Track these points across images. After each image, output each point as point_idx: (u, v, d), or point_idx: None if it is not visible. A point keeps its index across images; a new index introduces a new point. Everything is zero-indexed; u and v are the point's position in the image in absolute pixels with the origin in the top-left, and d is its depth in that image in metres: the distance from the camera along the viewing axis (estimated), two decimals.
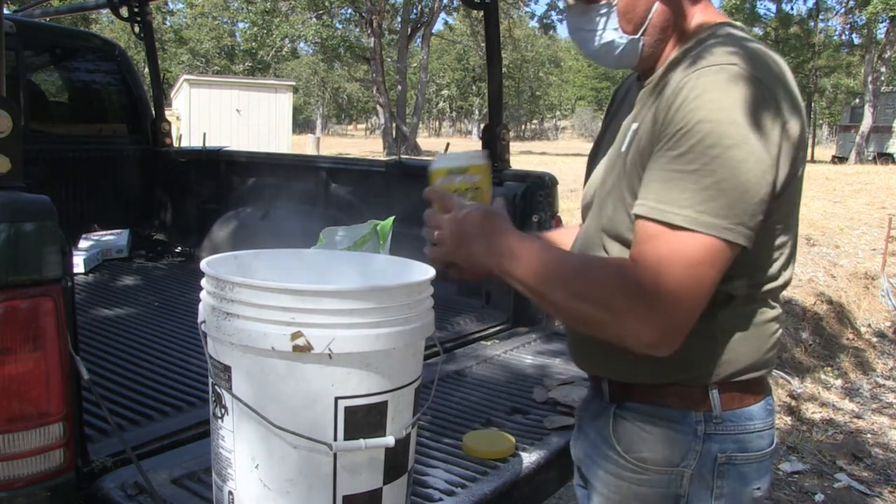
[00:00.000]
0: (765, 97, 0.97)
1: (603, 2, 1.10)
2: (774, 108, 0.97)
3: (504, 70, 3.48)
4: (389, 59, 25.46)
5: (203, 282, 1.13)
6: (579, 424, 1.29)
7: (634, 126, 1.11)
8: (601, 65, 1.20)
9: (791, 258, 1.11)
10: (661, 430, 1.11)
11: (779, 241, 1.07)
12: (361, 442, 1.08)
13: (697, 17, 1.12)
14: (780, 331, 1.15)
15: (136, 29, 4.05)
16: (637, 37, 1.11)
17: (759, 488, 1.13)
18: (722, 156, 0.94)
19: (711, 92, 0.96)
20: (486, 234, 1.11)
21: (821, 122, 40.96)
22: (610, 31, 1.11)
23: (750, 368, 1.10)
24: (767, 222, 1.01)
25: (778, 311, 1.13)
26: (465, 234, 1.13)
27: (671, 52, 1.12)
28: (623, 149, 1.11)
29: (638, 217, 1.01)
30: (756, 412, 1.12)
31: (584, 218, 1.25)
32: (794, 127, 1.00)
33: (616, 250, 1.11)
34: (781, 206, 1.03)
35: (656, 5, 1.09)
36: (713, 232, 0.95)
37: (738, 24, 1.13)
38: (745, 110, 0.95)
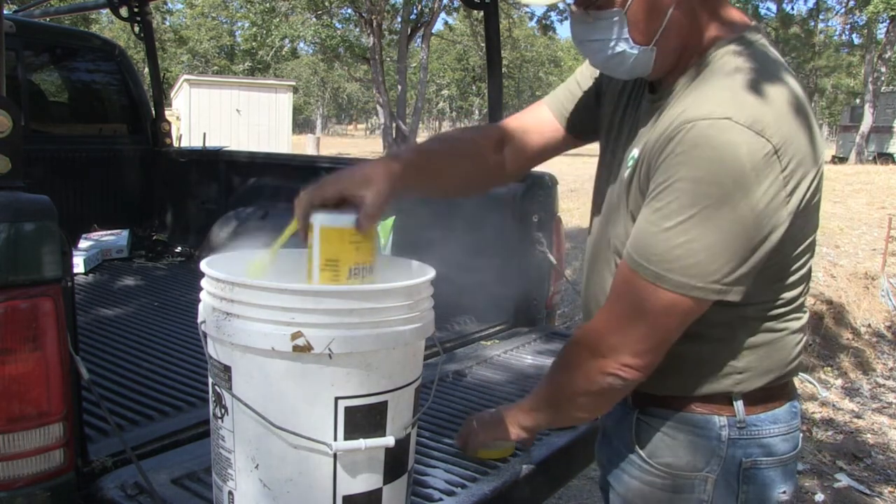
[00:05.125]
0: (757, 152, 0.92)
1: (614, 9, 1.02)
2: (766, 160, 0.92)
3: (504, 70, 3.48)
4: (389, 59, 25.45)
5: (203, 282, 1.13)
6: (603, 430, 1.29)
7: (635, 153, 1.08)
8: (610, 75, 1.15)
9: (810, 265, 1.10)
10: (685, 435, 1.11)
11: (797, 263, 1.06)
12: (361, 442, 1.08)
13: (713, 28, 1.06)
14: (805, 337, 1.14)
15: (136, 29, 4.05)
16: (650, 47, 1.04)
17: (784, 492, 1.12)
18: (697, 215, 0.93)
19: (697, 149, 0.94)
20: (493, 428, 1.38)
21: (821, 122, 40.93)
22: (621, 42, 1.03)
23: (774, 377, 1.10)
24: (780, 253, 1.00)
25: (803, 319, 1.12)
26: (488, 439, 1.41)
27: (686, 64, 1.07)
28: (625, 175, 1.10)
29: (620, 259, 1.05)
30: (781, 415, 1.12)
31: (593, 213, 1.25)
32: (800, 165, 0.95)
33: None
34: (795, 234, 1.01)
35: (671, 13, 1.02)
36: (680, 291, 0.97)
37: (756, 33, 1.07)
38: (729, 168, 0.92)
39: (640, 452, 1.15)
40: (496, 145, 1.31)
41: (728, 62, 1.02)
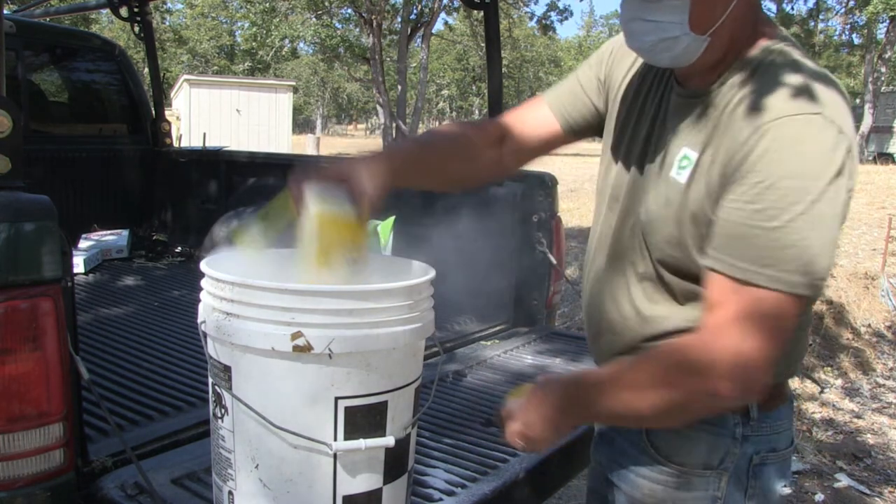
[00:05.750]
0: (842, 147, 0.94)
1: None
2: (849, 157, 0.94)
3: (504, 70, 3.48)
4: (389, 59, 25.45)
5: (203, 282, 1.13)
6: (600, 431, 1.27)
7: (688, 153, 1.05)
8: (648, 61, 1.11)
9: None
10: (699, 434, 1.11)
11: None
12: (361, 442, 1.08)
13: (761, 28, 1.06)
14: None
15: (136, 29, 4.05)
16: (705, 37, 1.01)
17: (785, 486, 1.15)
18: (806, 212, 0.91)
19: (797, 145, 0.93)
20: (560, 413, 1.08)
21: None
22: (676, 26, 1.00)
23: (785, 374, 1.12)
24: None
25: (810, 315, 1.14)
26: (551, 432, 1.09)
27: (730, 65, 1.05)
28: (678, 177, 1.06)
29: (714, 271, 0.97)
30: (783, 412, 1.14)
31: (601, 203, 1.22)
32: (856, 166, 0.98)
33: (673, 280, 1.09)
34: None
35: (732, 7, 1.00)
36: (797, 290, 0.93)
37: (792, 39, 1.07)
38: (828, 164, 0.92)
39: (653, 452, 1.14)
40: (494, 141, 1.31)
41: (787, 61, 1.01)
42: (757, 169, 0.94)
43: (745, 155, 0.95)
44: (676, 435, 1.12)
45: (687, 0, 0.99)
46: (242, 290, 1.05)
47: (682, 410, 1.01)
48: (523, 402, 1.10)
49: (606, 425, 1.27)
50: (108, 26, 31.21)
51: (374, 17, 21.42)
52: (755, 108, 0.97)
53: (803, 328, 1.12)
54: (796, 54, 1.03)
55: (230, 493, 1.13)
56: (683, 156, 1.06)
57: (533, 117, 1.33)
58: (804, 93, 0.96)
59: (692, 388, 0.97)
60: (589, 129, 1.30)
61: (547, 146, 1.33)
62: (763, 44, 1.05)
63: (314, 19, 23.09)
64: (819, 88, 0.96)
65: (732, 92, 1.02)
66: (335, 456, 1.08)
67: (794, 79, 0.98)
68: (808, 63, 1.01)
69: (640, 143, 1.16)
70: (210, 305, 1.10)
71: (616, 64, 1.25)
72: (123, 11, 4.01)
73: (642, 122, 1.17)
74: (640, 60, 1.20)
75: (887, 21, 22.94)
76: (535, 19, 27.31)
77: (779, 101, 0.96)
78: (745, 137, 0.96)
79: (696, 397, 0.98)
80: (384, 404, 1.10)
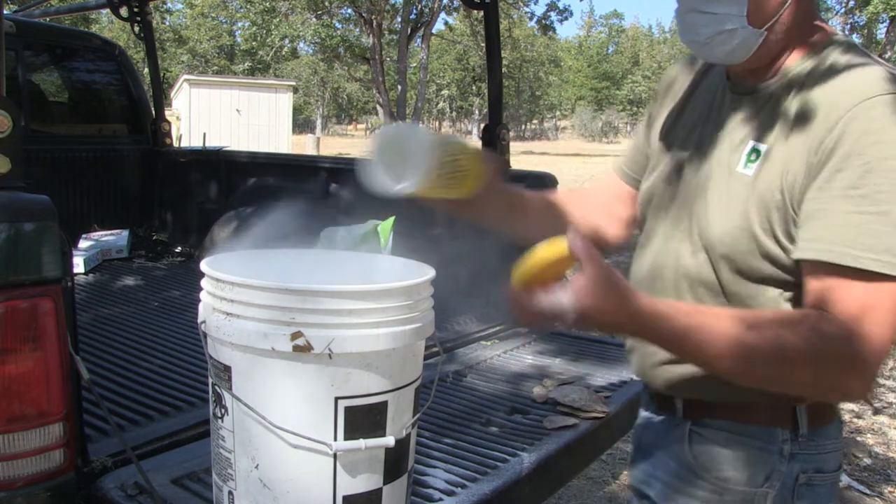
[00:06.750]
0: None
1: None
2: None
3: (504, 70, 3.48)
4: (389, 59, 25.46)
5: (203, 282, 1.13)
6: (638, 445, 1.24)
7: (762, 147, 1.01)
8: (702, 56, 1.09)
9: None
10: (745, 448, 1.07)
11: None
12: (361, 442, 1.08)
13: (817, 27, 1.05)
14: None
15: (136, 29, 4.05)
16: (762, 30, 1.00)
17: None
18: None
19: (891, 125, 0.90)
20: (626, 327, 0.93)
21: None
22: (734, 19, 0.99)
23: None
24: None
25: None
26: (602, 329, 0.95)
27: (789, 61, 1.04)
28: (739, 169, 1.03)
29: (816, 262, 0.92)
30: (832, 431, 1.09)
31: (647, 215, 1.19)
32: None
33: (730, 279, 1.03)
34: None
35: (790, 2, 0.99)
36: None
37: (850, 39, 1.07)
38: None
39: (694, 466, 1.10)
40: (589, 220, 1.32)
41: (852, 49, 1.01)
42: (854, 153, 0.90)
43: (838, 140, 0.92)
44: (721, 448, 1.08)
45: None
46: (242, 290, 1.05)
47: (786, 386, 0.94)
48: (584, 288, 0.88)
49: (637, 435, 1.24)
50: (108, 26, 31.22)
51: (374, 16, 21.43)
52: (837, 92, 0.95)
53: None
54: (857, 47, 1.02)
55: (230, 493, 1.14)
56: (752, 149, 1.03)
57: (612, 192, 1.34)
58: (882, 75, 0.94)
59: (820, 379, 0.90)
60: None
61: (632, 208, 1.30)
62: (821, 38, 1.04)
63: (314, 19, 23.10)
64: (893, 71, 0.95)
65: (801, 80, 1.00)
66: (335, 456, 1.08)
67: (867, 63, 0.97)
68: (871, 54, 1.01)
69: (692, 150, 1.13)
70: (210, 305, 1.10)
71: (660, 100, 1.26)
72: (123, 11, 4.01)
73: (696, 131, 1.14)
74: (679, 87, 1.20)
75: (887, 21, 22.92)
76: (535, 19, 27.32)
77: (860, 84, 0.93)
78: (833, 122, 0.92)
79: (819, 386, 0.92)
80: (384, 404, 1.10)
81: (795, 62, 1.03)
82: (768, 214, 0.98)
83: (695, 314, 0.93)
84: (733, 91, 1.09)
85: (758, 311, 1.00)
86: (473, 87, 47.33)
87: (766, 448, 1.06)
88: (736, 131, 1.06)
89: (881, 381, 5.02)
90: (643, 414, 1.25)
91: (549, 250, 0.92)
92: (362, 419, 1.08)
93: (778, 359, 0.90)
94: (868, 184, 0.89)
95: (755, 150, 1.02)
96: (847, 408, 4.39)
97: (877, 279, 0.88)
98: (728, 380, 0.95)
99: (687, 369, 1.07)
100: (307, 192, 3.42)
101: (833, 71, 0.97)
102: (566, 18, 26.71)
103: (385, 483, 1.14)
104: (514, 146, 4.49)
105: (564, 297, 0.88)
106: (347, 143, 35.19)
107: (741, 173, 1.02)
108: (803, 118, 0.96)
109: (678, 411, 1.13)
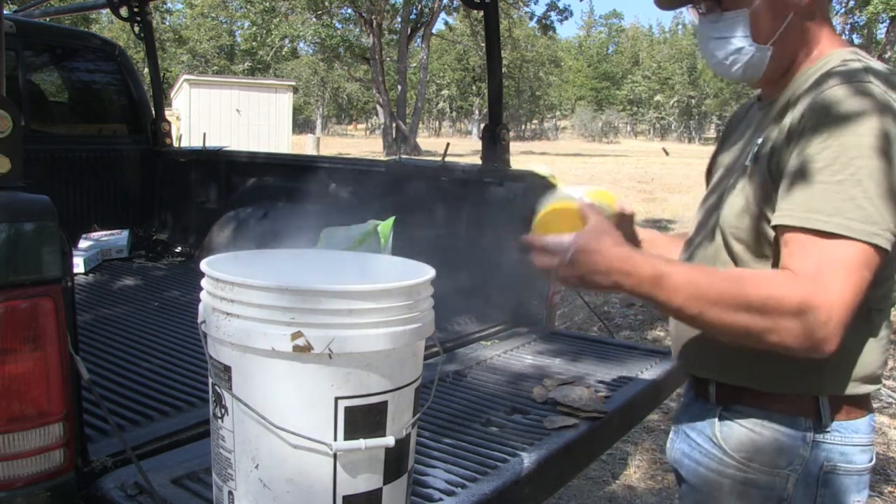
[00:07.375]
0: (889, 112, 1.00)
1: (740, 9, 1.13)
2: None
3: (504, 70, 3.48)
4: (389, 59, 25.47)
5: (203, 282, 1.13)
6: (677, 427, 1.32)
7: (758, 140, 1.13)
8: (726, 76, 1.21)
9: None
10: (770, 433, 1.14)
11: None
12: (361, 442, 1.08)
13: (825, 42, 1.14)
14: (888, 344, 1.16)
15: (136, 29, 4.05)
16: (766, 46, 1.13)
17: (858, 501, 1.16)
18: (867, 166, 0.97)
19: (851, 102, 1.00)
20: (613, 268, 1.06)
21: None
22: (740, 38, 1.14)
23: (863, 382, 1.12)
24: None
25: (881, 324, 1.12)
26: (590, 275, 1.09)
27: (797, 74, 1.14)
28: (746, 162, 1.14)
29: (785, 228, 1.02)
30: (861, 426, 1.15)
31: (698, 235, 1.27)
32: None
33: (740, 250, 1.13)
34: None
35: (790, 17, 1.12)
36: (864, 237, 0.96)
37: (860, 51, 1.14)
38: (885, 118, 0.98)
39: (723, 446, 1.18)
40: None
41: (854, 58, 1.09)
42: (817, 130, 1.01)
43: (805, 122, 1.03)
44: (748, 432, 1.15)
45: (746, 12, 1.12)
46: (242, 290, 1.05)
47: (742, 337, 1.02)
48: (584, 232, 1.10)
49: (677, 418, 1.33)
50: (108, 26, 31.24)
51: (374, 16, 21.44)
52: (816, 84, 1.06)
53: (877, 336, 1.12)
54: (864, 57, 1.10)
55: (230, 493, 1.14)
56: (756, 142, 1.14)
57: None
58: (859, 76, 1.04)
59: (760, 324, 0.99)
60: None
61: None
62: (830, 52, 1.13)
63: (314, 19, 23.10)
64: (880, 79, 1.04)
65: (801, 88, 1.10)
66: (335, 456, 1.08)
67: (855, 64, 1.07)
68: (875, 63, 1.09)
69: (724, 158, 1.27)
70: (210, 305, 1.10)
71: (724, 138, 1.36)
72: (123, 11, 4.01)
73: (732, 142, 1.28)
74: (735, 122, 1.33)
75: (887, 21, 22.92)
76: (535, 19, 27.35)
77: (836, 77, 1.04)
78: (805, 109, 1.04)
79: (762, 333, 1.00)
80: (384, 404, 1.10)
81: (801, 75, 1.14)
82: (763, 196, 1.09)
83: (673, 263, 1.08)
84: (758, 108, 1.23)
85: (732, 269, 1.13)
86: (473, 87, 47.37)
87: (789, 434, 1.13)
88: (752, 136, 1.18)
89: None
90: (683, 399, 1.36)
91: (561, 202, 1.21)
92: (362, 419, 1.08)
93: (730, 305, 1.00)
94: (827, 157, 1.00)
95: (757, 144, 1.14)
96: None
97: (832, 240, 0.98)
98: (695, 327, 1.11)
99: (716, 348, 1.13)
100: (307, 192, 3.42)
101: (824, 72, 1.09)
102: (566, 18, 26.74)
103: (385, 483, 1.14)
104: (514, 146, 4.49)
105: (567, 238, 1.10)
106: (347, 143, 35.19)
107: (746, 165, 1.15)
108: (787, 112, 1.09)
109: (711, 396, 1.22)
